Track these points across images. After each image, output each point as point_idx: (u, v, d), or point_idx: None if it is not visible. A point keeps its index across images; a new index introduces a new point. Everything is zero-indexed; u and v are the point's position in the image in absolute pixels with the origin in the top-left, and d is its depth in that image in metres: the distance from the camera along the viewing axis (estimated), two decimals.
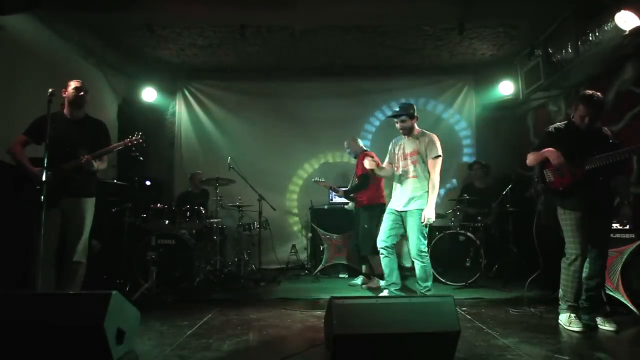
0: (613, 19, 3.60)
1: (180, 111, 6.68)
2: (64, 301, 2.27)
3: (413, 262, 3.69)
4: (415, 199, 3.60)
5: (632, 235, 3.48)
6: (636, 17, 3.49)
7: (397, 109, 3.78)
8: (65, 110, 3.39)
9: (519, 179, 5.49)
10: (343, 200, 5.64)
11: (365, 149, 5.02)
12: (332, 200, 6.08)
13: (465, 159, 6.50)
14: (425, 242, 3.60)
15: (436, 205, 3.64)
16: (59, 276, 3.23)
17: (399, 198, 3.72)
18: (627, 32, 3.58)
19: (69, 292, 2.89)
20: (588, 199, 2.98)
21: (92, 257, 3.62)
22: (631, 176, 4.13)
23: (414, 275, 3.74)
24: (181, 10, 4.65)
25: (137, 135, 3.54)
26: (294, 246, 6.21)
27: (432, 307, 2.30)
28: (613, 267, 3.41)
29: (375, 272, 4.75)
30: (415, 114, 3.76)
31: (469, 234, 4.79)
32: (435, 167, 3.59)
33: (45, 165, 2.85)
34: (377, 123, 6.60)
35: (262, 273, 5.33)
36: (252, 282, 4.87)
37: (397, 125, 3.77)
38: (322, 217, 5.81)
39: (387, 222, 3.75)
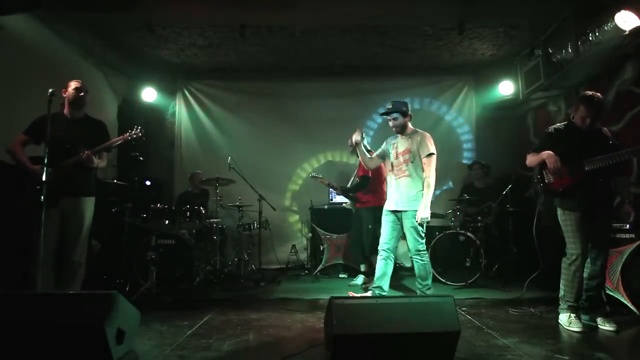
0: (613, 19, 3.60)
1: (180, 111, 6.69)
2: (64, 301, 2.27)
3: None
4: (410, 199, 3.53)
5: (632, 235, 3.48)
6: (636, 17, 3.49)
7: (390, 106, 3.69)
8: (66, 110, 3.39)
9: (519, 179, 5.49)
10: (343, 199, 5.63)
11: (369, 148, 5.02)
12: (332, 200, 6.09)
13: (465, 159, 6.50)
14: (423, 240, 3.55)
15: (433, 205, 3.60)
16: (58, 276, 3.23)
17: (393, 198, 3.65)
18: (627, 32, 3.58)
19: (69, 292, 2.90)
20: (588, 199, 2.98)
21: (92, 257, 3.62)
22: (631, 176, 4.13)
23: (414, 275, 3.73)
24: (181, 10, 4.65)
25: (137, 129, 3.54)
26: (294, 246, 6.21)
27: (432, 307, 2.30)
28: (613, 267, 3.41)
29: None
30: (409, 112, 3.68)
31: (469, 234, 4.79)
32: (430, 166, 3.49)
33: (46, 163, 2.84)
34: (377, 123, 6.59)
35: (262, 273, 5.33)
36: (252, 282, 4.87)
37: (390, 123, 3.70)
38: (322, 217, 5.81)
39: (387, 226, 3.67)
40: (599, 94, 3.01)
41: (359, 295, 3.83)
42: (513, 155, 6.16)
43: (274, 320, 3.28)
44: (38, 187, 2.84)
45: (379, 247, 3.69)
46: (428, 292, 3.54)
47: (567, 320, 3.01)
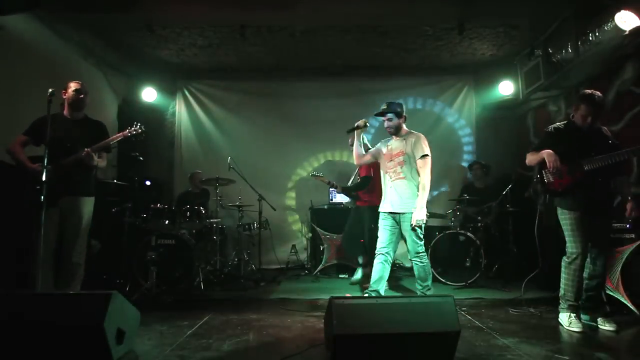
0: (613, 19, 3.60)
1: (180, 111, 6.69)
2: (64, 301, 2.27)
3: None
4: (406, 201, 3.48)
5: (632, 235, 3.49)
6: (636, 17, 3.49)
7: (385, 107, 3.65)
8: (65, 112, 3.39)
9: (519, 179, 5.49)
10: (343, 199, 5.62)
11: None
12: (332, 200, 6.08)
13: (465, 159, 6.50)
14: (422, 242, 3.51)
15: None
16: (57, 277, 3.22)
17: (390, 200, 3.60)
18: (627, 32, 3.58)
19: (69, 292, 2.89)
20: (587, 199, 2.98)
21: (92, 257, 3.61)
22: (631, 176, 4.13)
23: (413, 275, 3.72)
24: (181, 10, 4.65)
25: (136, 125, 3.52)
26: (294, 246, 6.21)
27: (432, 307, 2.30)
28: (613, 267, 3.41)
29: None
30: (404, 113, 3.64)
31: (469, 234, 4.79)
32: (424, 168, 3.44)
33: (46, 163, 2.84)
34: (378, 121, 6.58)
35: (262, 273, 5.33)
36: (252, 282, 4.87)
37: (385, 124, 3.66)
38: (322, 217, 5.81)
39: (386, 230, 3.58)
40: (598, 92, 3.01)
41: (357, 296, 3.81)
42: (513, 155, 6.16)
43: (274, 320, 3.28)
44: (38, 187, 2.83)
45: (377, 251, 3.61)
46: (428, 293, 3.51)
47: (567, 320, 3.01)
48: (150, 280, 4.07)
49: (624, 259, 3.37)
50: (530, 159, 3.22)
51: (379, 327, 2.20)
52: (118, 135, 3.48)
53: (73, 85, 3.36)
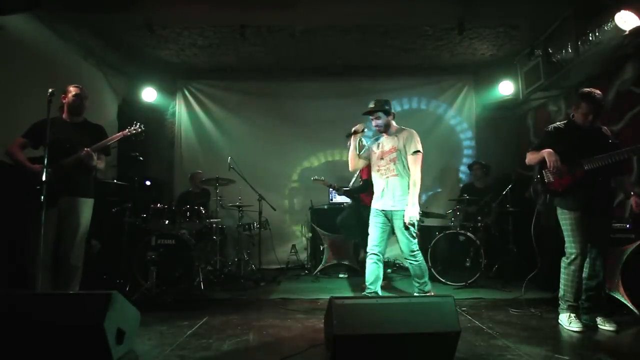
0: (613, 19, 3.60)
1: (180, 111, 6.69)
2: (64, 301, 2.27)
3: None
4: (398, 198, 3.46)
5: (632, 235, 3.48)
6: (636, 17, 3.49)
7: (372, 105, 3.58)
8: (65, 115, 3.39)
9: (519, 179, 5.49)
10: (343, 199, 5.62)
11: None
12: (332, 200, 6.08)
13: (465, 159, 6.50)
14: (416, 240, 3.48)
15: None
16: (56, 278, 3.21)
17: (382, 197, 3.57)
18: (627, 32, 3.58)
19: (69, 292, 2.89)
20: (587, 199, 2.98)
21: (92, 257, 3.61)
22: (631, 175, 4.13)
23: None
24: (181, 10, 4.65)
25: (136, 124, 3.52)
26: (294, 246, 6.21)
27: (432, 307, 2.30)
28: (613, 267, 3.41)
29: None
30: (392, 110, 3.61)
31: (469, 234, 4.79)
32: (416, 164, 3.42)
33: (46, 164, 2.84)
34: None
35: (262, 273, 5.33)
36: (252, 282, 4.87)
37: (373, 123, 3.62)
38: (322, 217, 5.81)
39: (377, 228, 3.55)
40: (598, 91, 3.01)
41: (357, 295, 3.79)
42: (513, 155, 6.16)
43: (274, 320, 3.28)
44: (38, 187, 2.84)
45: (369, 250, 3.57)
46: (426, 289, 3.49)
47: (567, 320, 3.01)
48: (150, 280, 4.07)
49: (624, 259, 3.37)
50: (531, 158, 3.22)
51: (379, 327, 2.20)
52: (118, 134, 3.48)
53: (73, 90, 3.36)
